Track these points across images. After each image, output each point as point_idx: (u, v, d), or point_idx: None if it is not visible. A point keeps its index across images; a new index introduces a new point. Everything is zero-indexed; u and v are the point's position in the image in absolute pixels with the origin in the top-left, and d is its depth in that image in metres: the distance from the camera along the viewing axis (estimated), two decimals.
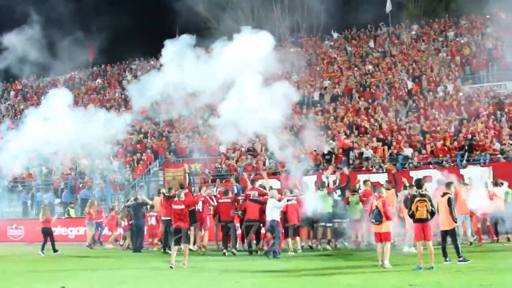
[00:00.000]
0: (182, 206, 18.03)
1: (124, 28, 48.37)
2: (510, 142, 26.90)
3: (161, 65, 23.31)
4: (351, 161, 28.29)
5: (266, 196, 20.82)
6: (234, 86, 20.52)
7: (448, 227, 16.22)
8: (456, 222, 16.36)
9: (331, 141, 30.24)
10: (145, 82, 23.39)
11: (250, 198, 21.09)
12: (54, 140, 23.07)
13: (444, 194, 16.48)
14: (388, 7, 48.18)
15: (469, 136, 27.99)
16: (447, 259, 16.16)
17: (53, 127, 22.85)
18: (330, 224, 21.48)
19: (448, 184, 16.83)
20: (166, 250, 21.76)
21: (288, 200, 20.56)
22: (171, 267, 17.14)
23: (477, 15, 42.82)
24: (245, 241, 21.32)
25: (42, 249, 23.70)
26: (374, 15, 48.35)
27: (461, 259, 15.98)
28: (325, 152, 29.00)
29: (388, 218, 15.77)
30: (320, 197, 21.52)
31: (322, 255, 19.71)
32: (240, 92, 20.28)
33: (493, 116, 30.10)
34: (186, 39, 21.67)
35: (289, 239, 20.79)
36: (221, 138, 26.19)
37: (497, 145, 26.81)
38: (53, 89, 33.25)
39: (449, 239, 16.38)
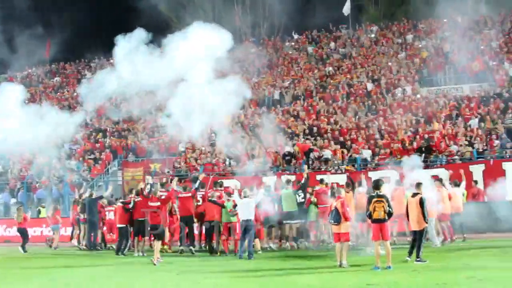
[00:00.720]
0: (158, 203, 18.71)
1: (85, 25, 47.83)
2: (466, 144, 27.46)
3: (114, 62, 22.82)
4: (310, 162, 28.45)
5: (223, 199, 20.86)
6: (184, 82, 20.28)
7: (418, 227, 16.45)
8: (427, 222, 16.62)
9: (291, 142, 30.41)
10: (98, 80, 22.92)
11: (209, 199, 20.99)
12: (3, 138, 22.52)
13: (415, 194, 16.71)
14: (346, 10, 48.65)
15: (426, 137, 28.51)
16: (410, 257, 16.40)
17: (2, 124, 22.31)
18: (296, 221, 21.53)
19: (418, 185, 16.99)
20: (119, 254, 21.56)
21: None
22: (154, 264, 17.65)
23: (434, 19, 43.51)
24: (205, 241, 21.31)
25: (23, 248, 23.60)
26: (334, 17, 48.76)
27: (418, 259, 16.18)
28: (285, 152, 29.13)
29: (346, 219, 15.91)
30: (285, 196, 21.57)
31: (282, 256, 19.75)
32: (189, 88, 20.07)
33: (450, 118, 30.67)
34: (141, 34, 21.21)
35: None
36: (172, 136, 25.92)
37: (453, 147, 27.34)
38: (3, 83, 32.31)
39: None
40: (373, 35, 45.42)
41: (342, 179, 24.45)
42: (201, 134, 22.68)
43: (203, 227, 21.35)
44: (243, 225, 19.35)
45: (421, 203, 16.39)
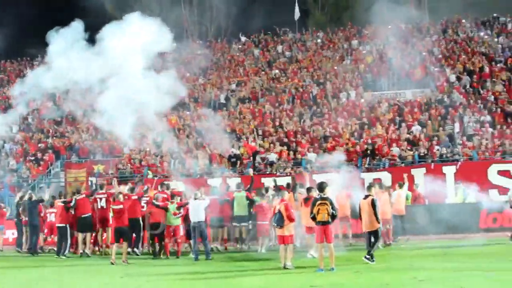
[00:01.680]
0: (121, 206, 19.01)
1: (27, 21, 46.64)
2: (409, 148, 28.06)
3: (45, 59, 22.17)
4: (256, 165, 28.52)
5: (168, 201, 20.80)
6: (116, 77, 19.81)
7: (371, 228, 16.68)
8: (379, 223, 16.80)
9: (237, 144, 30.42)
10: (33, 79, 22.22)
11: (152, 202, 20.82)
12: None
13: (367, 196, 16.96)
14: (297, 13, 49.08)
15: (370, 141, 28.99)
16: (373, 259, 16.52)
17: None
18: (246, 224, 21.53)
19: (369, 187, 17.36)
20: (60, 256, 21.18)
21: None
22: (111, 263, 18.01)
23: (379, 25, 44.27)
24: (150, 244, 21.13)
25: None
26: (281, 21, 49.07)
27: (368, 257, 16.43)
28: (231, 154, 29.11)
29: (291, 221, 15.96)
30: (237, 199, 21.56)
31: (226, 257, 19.72)
32: (120, 84, 19.66)
33: (393, 123, 31.27)
34: (77, 28, 20.46)
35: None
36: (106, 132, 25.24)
37: (396, 150, 27.88)
38: None
39: None
40: (319, 40, 45.89)
41: (288, 181, 24.60)
42: (132, 133, 22.32)
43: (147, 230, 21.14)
44: (194, 226, 19.29)
45: (373, 204, 16.63)
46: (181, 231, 21.07)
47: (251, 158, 28.84)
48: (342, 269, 15.43)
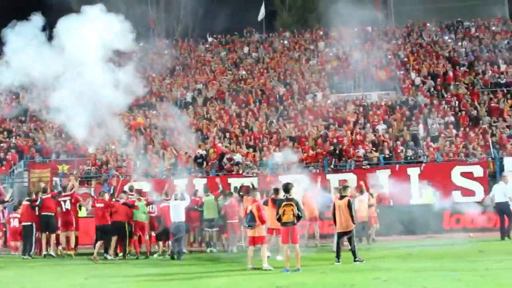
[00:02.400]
0: (102, 205, 19.81)
1: None
2: (374, 149, 28.33)
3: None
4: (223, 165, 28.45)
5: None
6: (71, 73, 19.51)
7: (346, 229, 16.75)
8: (354, 223, 16.92)
9: (203, 144, 30.29)
10: None
11: (118, 200, 20.70)
12: None
13: (342, 197, 17.00)
14: (261, 15, 49.14)
15: (336, 143, 29.18)
16: (339, 260, 16.63)
17: None
18: (216, 229, 21.51)
19: (344, 188, 17.36)
20: (26, 256, 20.85)
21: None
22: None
23: (345, 28, 44.61)
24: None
25: None
26: (249, 21, 49.14)
27: (357, 259, 16.56)
28: (197, 155, 28.99)
29: (263, 222, 15.98)
30: (207, 203, 21.53)
31: (193, 258, 19.64)
32: (77, 80, 19.37)
33: (358, 124, 31.53)
34: (36, 21, 19.72)
35: (161, 242, 20.73)
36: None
37: (361, 152, 28.11)
38: None
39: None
40: (286, 41, 46.03)
41: (254, 182, 24.64)
42: (94, 132, 22.03)
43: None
44: (174, 227, 19.31)
45: (349, 205, 16.75)
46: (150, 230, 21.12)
47: (218, 159, 28.73)
48: (308, 270, 15.47)
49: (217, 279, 14.75)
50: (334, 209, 17.10)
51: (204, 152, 29.24)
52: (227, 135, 31.59)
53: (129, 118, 34.08)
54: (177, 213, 19.31)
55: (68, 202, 21.14)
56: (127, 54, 22.61)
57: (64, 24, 19.39)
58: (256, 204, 16.10)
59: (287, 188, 15.61)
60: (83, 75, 19.42)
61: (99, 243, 19.95)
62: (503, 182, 22.19)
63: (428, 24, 46.35)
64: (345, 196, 17.04)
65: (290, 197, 15.44)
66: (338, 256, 16.76)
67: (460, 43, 42.14)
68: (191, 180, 25.35)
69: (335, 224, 17.11)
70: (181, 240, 19.46)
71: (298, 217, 15.32)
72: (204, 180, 25.26)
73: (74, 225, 21.32)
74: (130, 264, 18.77)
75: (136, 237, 20.63)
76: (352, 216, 16.72)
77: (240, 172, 27.40)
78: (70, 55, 19.11)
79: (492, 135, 29.18)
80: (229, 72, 41.32)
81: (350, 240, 16.82)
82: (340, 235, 17.01)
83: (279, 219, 15.43)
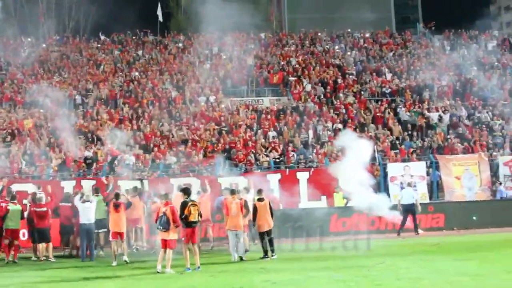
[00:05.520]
0: (45, 209, 19.88)
1: None
2: (265, 154, 28.76)
3: None
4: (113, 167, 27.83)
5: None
6: None
7: (268, 228, 18.18)
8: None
9: (92, 146, 29.53)
10: None
11: None
12: None
13: (261, 199, 18.29)
14: (160, 16, 48.72)
15: (228, 147, 29.39)
16: (267, 256, 18.00)
17: None
18: (104, 230, 20.96)
19: (259, 191, 18.67)
20: None
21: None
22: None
23: (241, 33, 45.07)
24: None
25: None
26: (144, 22, 48.50)
27: (267, 257, 17.98)
28: (86, 156, 28.23)
29: (177, 225, 16.01)
30: (97, 203, 20.95)
31: (76, 264, 19.14)
32: None
33: (250, 129, 31.90)
34: None
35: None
36: None
37: (252, 156, 28.45)
38: None
39: None
40: (180, 44, 45.77)
41: (144, 185, 24.35)
42: None
43: None
44: (84, 228, 19.29)
45: (270, 206, 18.37)
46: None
47: (109, 161, 28.02)
48: (199, 272, 15.52)
49: (104, 284, 14.48)
50: (255, 211, 18.20)
51: (91, 154, 28.51)
52: (119, 136, 30.83)
53: (13, 117, 32.55)
54: (87, 215, 19.29)
55: None
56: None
57: None
58: (170, 206, 16.11)
59: (187, 191, 16.61)
60: None
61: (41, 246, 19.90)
62: (410, 187, 25.19)
63: (320, 34, 47.70)
64: (263, 198, 18.39)
65: (194, 198, 16.79)
66: (266, 252, 18.17)
67: (349, 53, 43.68)
68: (80, 182, 24.63)
69: (254, 225, 18.56)
70: (92, 242, 19.42)
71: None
72: (93, 182, 24.59)
73: None
74: (11, 269, 18.06)
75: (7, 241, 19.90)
76: (272, 216, 18.26)
77: (131, 174, 26.90)
78: None
79: (377, 142, 30.42)
80: (121, 72, 40.42)
81: (269, 238, 18.18)
82: (262, 234, 18.23)
83: (185, 219, 15.90)
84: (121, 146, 28.28)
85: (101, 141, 30.29)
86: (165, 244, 15.94)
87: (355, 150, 22.10)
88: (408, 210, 24.32)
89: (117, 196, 18.93)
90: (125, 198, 20.08)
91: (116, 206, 18.60)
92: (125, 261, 18.19)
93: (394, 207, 24.24)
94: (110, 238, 18.74)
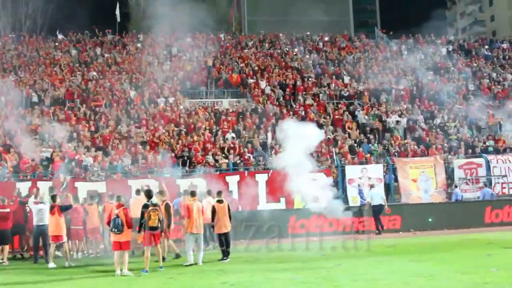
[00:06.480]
0: (7, 210, 19.73)
1: None
2: (224, 155, 28.75)
3: None
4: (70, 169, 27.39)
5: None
6: None
7: (226, 230, 18.44)
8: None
9: (48, 147, 29.02)
10: None
11: None
12: None
13: (220, 201, 18.47)
14: (118, 16, 48.26)
15: (186, 149, 29.27)
16: (225, 258, 18.23)
17: None
18: None
19: (219, 193, 18.86)
20: None
21: None
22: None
23: (201, 33, 45.01)
24: None
25: None
26: (103, 21, 47.95)
27: (225, 259, 18.20)
28: (43, 158, 27.74)
29: (130, 227, 15.86)
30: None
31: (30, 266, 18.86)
32: None
33: (209, 131, 31.84)
34: None
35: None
36: None
37: (211, 158, 28.42)
38: None
39: None
40: (139, 44, 45.40)
41: (101, 186, 24.11)
42: None
43: None
44: (38, 231, 19.08)
45: (229, 208, 18.62)
46: None
47: (65, 162, 27.55)
48: (157, 275, 15.46)
49: (62, 283, 14.33)
50: (213, 212, 18.39)
51: (48, 155, 28.03)
52: (75, 137, 30.40)
53: None
54: (41, 217, 18.97)
55: None
56: None
57: None
58: (123, 208, 15.95)
59: (149, 194, 16.64)
60: None
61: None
62: (378, 188, 26.12)
63: (280, 35, 47.97)
64: (222, 200, 18.58)
65: (155, 202, 16.42)
66: (225, 254, 18.36)
67: (308, 56, 44.01)
68: (36, 184, 24.17)
69: (214, 227, 18.69)
70: (47, 245, 18.97)
71: (162, 222, 16.32)
72: (49, 183, 24.16)
73: None
74: None
75: None
76: (230, 218, 18.47)
77: (89, 176, 26.54)
78: None
79: (335, 145, 30.74)
80: (79, 72, 39.82)
81: (227, 238, 18.46)
82: (220, 235, 18.46)
83: (144, 224, 16.01)
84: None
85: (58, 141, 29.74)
86: (119, 246, 15.82)
87: (297, 139, 21.19)
88: (377, 210, 24.97)
89: (53, 198, 18.60)
90: (68, 201, 19.85)
91: (51, 208, 18.35)
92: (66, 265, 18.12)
93: (363, 207, 25.10)
94: (50, 241, 18.62)
